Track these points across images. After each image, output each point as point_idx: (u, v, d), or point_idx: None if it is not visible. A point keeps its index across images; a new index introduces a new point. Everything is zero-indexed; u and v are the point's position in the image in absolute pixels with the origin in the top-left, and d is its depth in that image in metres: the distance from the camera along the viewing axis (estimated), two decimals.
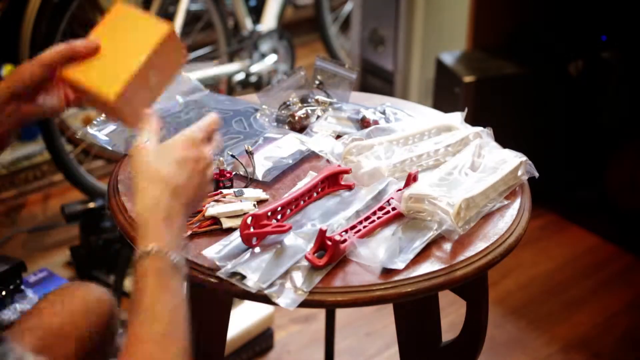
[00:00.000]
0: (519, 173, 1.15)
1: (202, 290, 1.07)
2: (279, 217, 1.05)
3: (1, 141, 1.07)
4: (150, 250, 0.84)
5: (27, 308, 1.33)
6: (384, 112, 1.33)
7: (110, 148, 1.23)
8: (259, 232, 1.00)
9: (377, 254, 0.99)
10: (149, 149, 0.92)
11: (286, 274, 0.96)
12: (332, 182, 1.13)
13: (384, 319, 2.07)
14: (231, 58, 2.77)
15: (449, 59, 2.47)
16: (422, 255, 1.02)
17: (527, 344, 2.04)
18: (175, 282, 0.85)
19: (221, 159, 1.15)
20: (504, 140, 1.33)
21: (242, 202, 1.09)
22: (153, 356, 0.79)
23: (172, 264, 0.85)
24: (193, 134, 0.94)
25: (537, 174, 1.17)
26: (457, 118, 1.27)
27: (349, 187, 1.14)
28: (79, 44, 1.05)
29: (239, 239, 1.00)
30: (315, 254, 0.98)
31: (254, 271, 0.95)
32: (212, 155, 0.96)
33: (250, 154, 1.16)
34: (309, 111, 1.32)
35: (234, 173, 1.16)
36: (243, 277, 0.95)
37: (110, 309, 1.22)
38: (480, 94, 2.36)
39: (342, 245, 0.98)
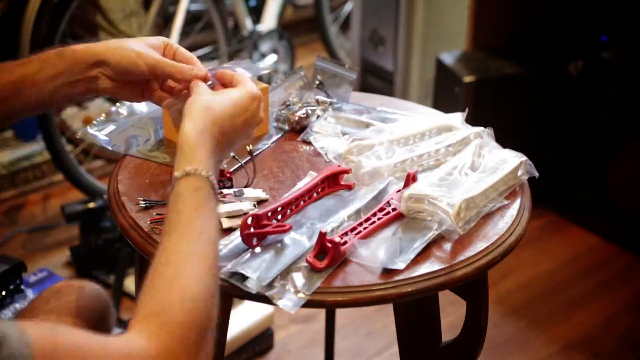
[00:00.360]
0: (519, 173, 1.15)
1: None
2: (279, 217, 1.05)
3: (57, 100, 1.07)
4: (190, 170, 0.86)
5: None
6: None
7: (110, 148, 1.23)
8: (259, 232, 1.00)
9: (377, 254, 0.98)
10: (210, 93, 0.97)
11: (287, 274, 0.96)
12: (333, 182, 1.13)
13: (384, 319, 2.07)
14: (231, 58, 2.77)
15: (449, 59, 2.47)
16: (422, 255, 1.02)
17: (527, 344, 2.04)
18: (211, 203, 0.86)
19: None
20: (504, 140, 1.33)
21: (242, 202, 1.09)
22: (181, 269, 0.79)
23: (210, 186, 0.86)
24: (253, 90, 0.99)
25: (537, 174, 1.17)
26: (457, 118, 1.27)
27: (349, 187, 1.14)
28: (192, 71, 1.06)
29: (239, 239, 1.00)
30: (316, 257, 0.98)
31: (254, 271, 0.95)
32: (263, 117, 1.00)
33: (250, 153, 1.16)
34: (309, 111, 1.32)
35: (233, 173, 1.16)
36: (244, 277, 0.95)
37: (105, 306, 1.22)
38: (480, 94, 2.36)
39: (343, 248, 0.98)
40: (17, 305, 1.40)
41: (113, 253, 2.14)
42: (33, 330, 0.68)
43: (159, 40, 1.09)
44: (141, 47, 1.06)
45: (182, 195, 0.85)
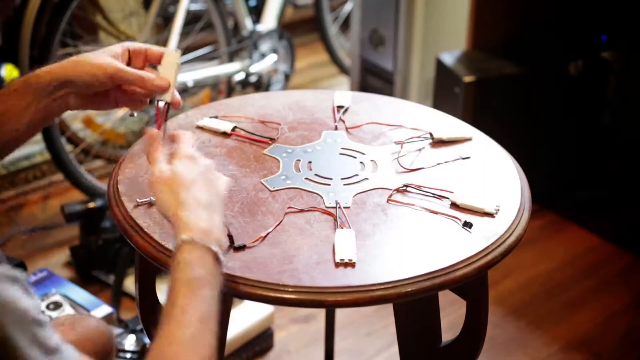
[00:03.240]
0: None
1: None
2: None
3: (34, 127, 1.09)
4: (186, 239, 0.87)
5: None
6: None
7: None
8: None
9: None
10: (161, 173, 0.95)
11: None
12: None
13: (384, 318, 2.07)
14: (231, 58, 2.77)
15: (449, 59, 2.47)
16: (422, 255, 1.02)
17: (527, 344, 2.04)
18: (209, 286, 0.86)
19: None
20: (504, 140, 1.33)
21: None
22: (179, 356, 0.80)
23: (207, 253, 0.87)
24: (182, 153, 0.97)
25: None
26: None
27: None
28: (154, 49, 1.11)
29: None
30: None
31: None
32: (209, 162, 0.98)
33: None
34: None
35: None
36: None
37: (109, 340, 1.22)
38: (480, 94, 2.36)
39: None
40: None
41: (113, 253, 2.14)
42: None
43: (120, 47, 1.11)
44: (100, 59, 1.08)
45: (177, 277, 0.85)
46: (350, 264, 1.00)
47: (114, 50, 1.10)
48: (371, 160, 1.24)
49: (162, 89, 1.09)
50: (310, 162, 1.23)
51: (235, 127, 1.30)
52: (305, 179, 1.19)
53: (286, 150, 1.26)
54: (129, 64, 1.12)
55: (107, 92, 1.12)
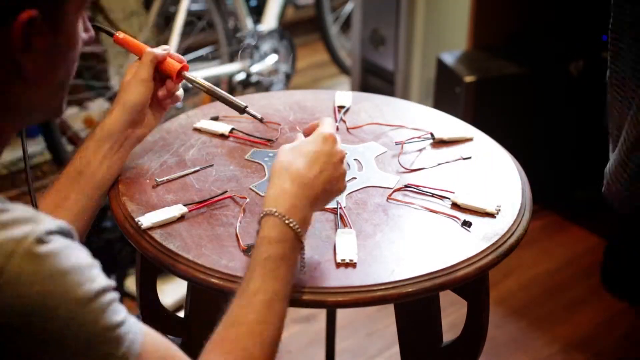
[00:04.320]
0: None
1: (202, 290, 1.07)
2: None
3: (120, 170, 1.15)
4: (272, 211, 0.89)
5: None
6: None
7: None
8: None
9: None
10: (287, 146, 0.97)
11: None
12: None
13: (385, 319, 2.07)
14: (232, 58, 2.77)
15: (449, 58, 2.47)
16: (423, 255, 1.02)
17: (528, 344, 2.04)
18: (286, 269, 0.89)
19: None
20: (504, 140, 1.33)
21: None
22: (241, 339, 0.83)
23: (289, 231, 0.89)
24: (325, 131, 0.98)
25: None
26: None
27: None
28: (157, 51, 1.15)
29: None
30: None
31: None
32: (344, 151, 0.98)
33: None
34: None
35: None
36: None
37: None
38: (480, 94, 2.36)
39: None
40: None
41: (113, 253, 2.14)
42: (152, 336, 0.77)
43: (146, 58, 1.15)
44: (133, 77, 1.15)
45: (256, 261, 0.88)
46: (352, 264, 1.00)
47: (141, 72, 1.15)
48: (354, 159, 1.23)
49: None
50: None
51: (233, 129, 1.30)
52: None
53: (267, 154, 1.25)
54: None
55: (153, 104, 1.17)
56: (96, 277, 0.72)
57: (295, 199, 0.91)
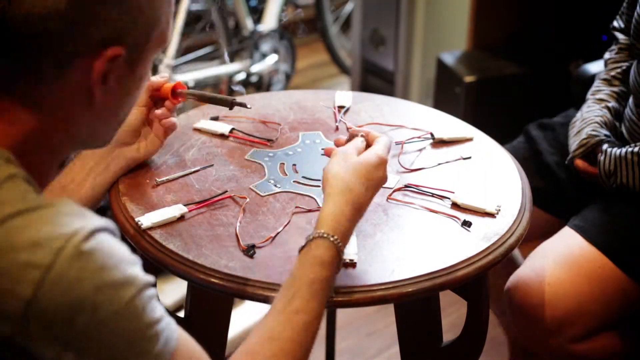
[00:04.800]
0: None
1: (202, 290, 1.07)
2: None
3: (104, 191, 1.14)
4: (322, 233, 0.90)
5: None
6: None
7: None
8: None
9: None
10: (350, 160, 0.97)
11: None
12: None
13: (384, 319, 2.07)
14: (232, 58, 2.77)
15: (449, 58, 2.47)
16: (423, 255, 1.02)
17: None
18: (328, 291, 0.90)
19: None
20: (505, 140, 1.33)
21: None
22: (273, 356, 0.84)
23: (338, 256, 0.90)
24: (383, 155, 0.99)
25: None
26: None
27: None
28: (154, 79, 1.16)
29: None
30: None
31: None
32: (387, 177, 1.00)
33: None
34: None
35: None
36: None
37: None
38: (480, 94, 2.36)
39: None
40: None
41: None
42: (184, 336, 0.78)
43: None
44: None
45: (299, 278, 0.88)
46: (351, 264, 1.00)
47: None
48: None
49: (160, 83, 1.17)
50: (294, 165, 1.23)
51: (233, 129, 1.30)
52: (294, 182, 1.18)
53: (267, 154, 1.25)
54: None
55: (146, 129, 1.18)
56: (139, 274, 0.73)
57: (351, 223, 0.93)
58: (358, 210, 0.94)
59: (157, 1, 0.80)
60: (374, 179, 0.97)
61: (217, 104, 1.23)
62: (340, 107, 1.39)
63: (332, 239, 0.90)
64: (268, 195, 1.14)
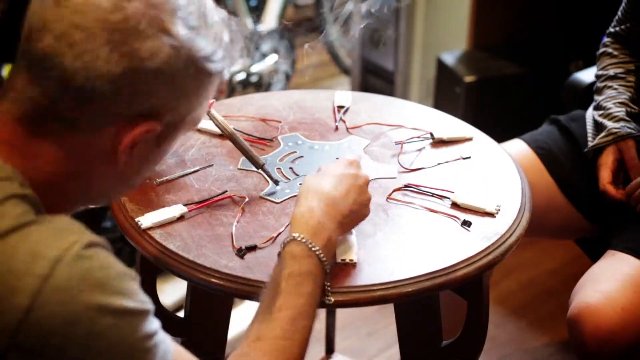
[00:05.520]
0: None
1: (202, 290, 1.07)
2: None
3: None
4: (297, 237, 0.90)
5: None
6: None
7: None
8: None
9: None
10: (312, 174, 1.00)
11: None
12: None
13: (384, 318, 2.07)
14: None
15: (449, 58, 2.47)
16: (423, 255, 1.02)
17: (528, 344, 2.04)
18: (310, 286, 0.89)
19: None
20: (505, 140, 1.33)
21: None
22: (264, 355, 0.84)
23: (316, 261, 0.90)
24: (350, 158, 1.02)
25: None
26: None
27: None
28: None
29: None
30: None
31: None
32: (367, 175, 1.01)
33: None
34: None
35: None
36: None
37: None
38: (480, 94, 2.36)
39: None
40: None
41: (114, 253, 2.14)
42: (181, 350, 0.79)
43: None
44: None
45: (280, 275, 0.89)
46: (351, 264, 1.00)
47: None
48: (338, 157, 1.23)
49: None
50: (291, 168, 1.22)
51: (233, 129, 1.30)
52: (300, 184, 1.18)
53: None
54: None
55: None
56: (135, 288, 0.74)
57: (323, 217, 0.93)
58: (331, 204, 0.94)
59: (202, 89, 0.82)
60: (345, 175, 0.98)
61: (246, 157, 1.18)
62: (340, 107, 1.39)
63: (298, 237, 0.90)
64: (268, 195, 1.14)
